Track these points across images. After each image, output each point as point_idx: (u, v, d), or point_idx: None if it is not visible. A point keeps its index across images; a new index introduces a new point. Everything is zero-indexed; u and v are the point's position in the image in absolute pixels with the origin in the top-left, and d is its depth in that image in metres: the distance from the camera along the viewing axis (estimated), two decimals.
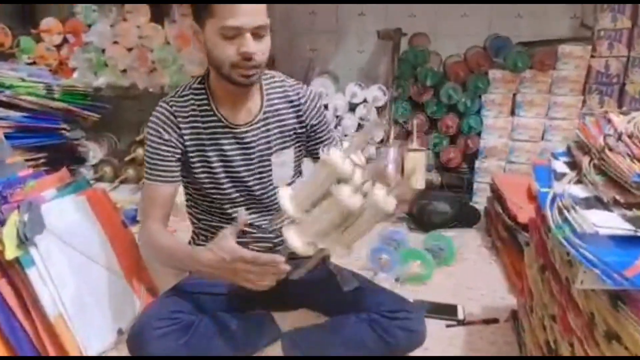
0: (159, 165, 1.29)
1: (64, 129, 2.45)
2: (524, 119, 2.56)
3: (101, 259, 1.48)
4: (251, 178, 1.35)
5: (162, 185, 1.30)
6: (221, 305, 1.26)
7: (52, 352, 1.27)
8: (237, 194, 1.36)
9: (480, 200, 2.61)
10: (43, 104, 2.33)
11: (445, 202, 2.37)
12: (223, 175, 1.33)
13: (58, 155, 2.47)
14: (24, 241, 1.25)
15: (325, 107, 2.41)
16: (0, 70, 2.32)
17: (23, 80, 2.32)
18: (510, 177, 2.49)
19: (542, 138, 2.57)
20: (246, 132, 1.31)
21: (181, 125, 1.28)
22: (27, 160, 2.01)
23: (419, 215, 2.35)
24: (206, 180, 1.34)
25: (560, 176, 1.20)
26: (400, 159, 2.58)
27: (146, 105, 3.07)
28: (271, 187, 1.38)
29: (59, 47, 2.83)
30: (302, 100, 1.36)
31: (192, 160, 1.32)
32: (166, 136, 1.28)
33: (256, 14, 1.14)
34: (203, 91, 1.30)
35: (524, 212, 1.88)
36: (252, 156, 1.33)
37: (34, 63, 2.79)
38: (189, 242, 1.51)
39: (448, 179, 2.69)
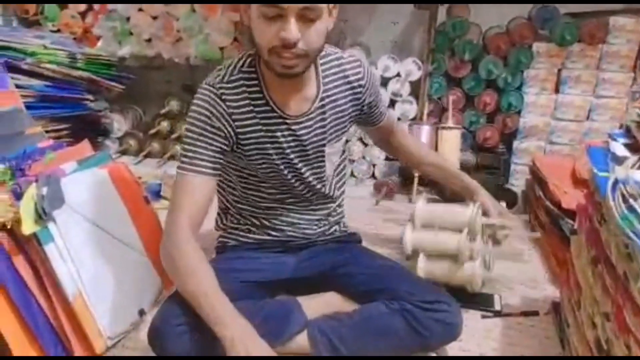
0: (202, 154, 1.14)
1: (88, 100, 2.40)
2: (569, 97, 2.41)
3: (122, 235, 1.43)
4: (306, 168, 1.26)
5: (201, 177, 1.14)
6: (247, 293, 1.19)
7: (70, 333, 1.22)
8: (295, 182, 1.28)
9: (517, 183, 2.49)
10: (66, 72, 2.27)
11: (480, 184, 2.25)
12: (280, 163, 1.24)
13: (81, 127, 2.43)
14: (42, 216, 1.19)
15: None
16: (23, 38, 2.27)
17: (45, 47, 2.26)
18: (552, 158, 2.35)
19: (588, 117, 2.42)
20: (301, 123, 1.20)
21: (233, 117, 1.16)
22: (49, 131, 1.97)
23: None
24: (264, 167, 1.24)
25: (621, 160, 1.11)
26: (434, 138, 2.49)
27: (172, 77, 3.03)
28: (324, 176, 1.31)
29: (83, 14, 2.77)
30: (362, 82, 1.25)
31: (245, 149, 1.20)
32: (216, 124, 1.14)
33: None
34: (254, 75, 1.17)
35: (569, 197, 1.76)
36: (307, 147, 1.23)
37: (58, 31, 2.74)
38: (216, 222, 1.44)
39: (484, 160, 2.56)
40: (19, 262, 1.20)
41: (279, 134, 1.20)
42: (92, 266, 1.28)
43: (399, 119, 2.59)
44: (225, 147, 1.17)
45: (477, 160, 2.56)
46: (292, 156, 1.23)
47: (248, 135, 1.19)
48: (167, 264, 1.13)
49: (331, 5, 1.06)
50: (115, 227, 1.41)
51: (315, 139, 1.23)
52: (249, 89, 1.16)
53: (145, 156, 2.81)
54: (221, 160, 1.18)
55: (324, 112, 1.22)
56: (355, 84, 1.24)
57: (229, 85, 1.15)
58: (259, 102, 1.17)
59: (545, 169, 2.03)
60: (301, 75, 1.11)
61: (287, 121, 1.19)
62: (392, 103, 2.57)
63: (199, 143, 1.14)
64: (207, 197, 1.16)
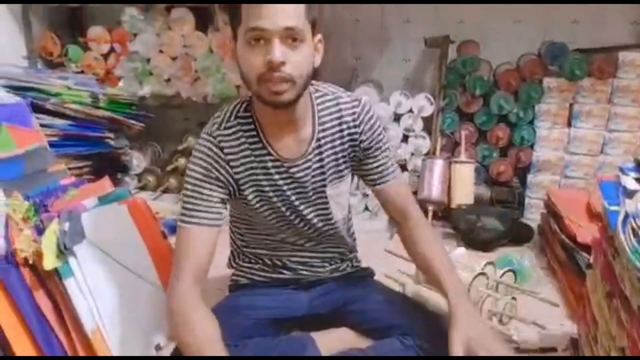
0: (201, 206, 1.13)
1: (109, 138, 2.46)
2: (581, 131, 2.42)
3: (140, 270, 1.45)
4: (310, 210, 1.25)
5: (201, 229, 1.13)
6: (261, 330, 1.19)
7: None
8: (301, 224, 1.27)
9: (532, 217, 2.48)
10: (88, 112, 2.35)
11: (496, 218, 2.26)
12: (283, 207, 1.23)
13: (102, 164, 2.49)
14: (63, 251, 1.23)
15: None
16: (48, 79, 2.36)
17: (69, 88, 2.34)
18: (567, 192, 2.35)
19: (602, 151, 2.42)
20: (298, 165, 1.19)
21: (232, 163, 1.15)
22: (71, 168, 2.02)
23: (468, 232, 2.24)
24: (267, 212, 1.24)
25: (631, 193, 1.11)
26: (447, 172, 2.50)
27: (189, 114, 3.11)
28: (332, 219, 1.29)
29: (106, 56, 2.87)
30: (357, 122, 1.20)
31: (246, 195, 1.20)
32: (214, 174, 1.14)
33: (286, 15, 0.99)
34: (250, 120, 1.17)
35: (584, 231, 1.76)
36: (307, 190, 1.22)
37: (81, 72, 2.83)
38: (229, 260, 1.46)
39: (498, 194, 2.56)
40: (40, 296, 1.24)
41: (277, 176, 1.19)
42: (111, 301, 1.30)
43: (412, 154, 2.61)
44: (225, 196, 1.17)
45: (492, 194, 2.56)
46: (293, 198, 1.22)
47: (248, 181, 1.18)
48: (168, 317, 1.12)
49: (317, 39, 1.08)
50: (133, 261, 1.43)
51: (314, 179, 1.22)
52: (246, 134, 1.16)
53: (163, 192, 2.85)
54: (222, 210, 1.16)
55: (320, 153, 1.20)
56: (351, 124, 1.20)
57: (226, 132, 1.15)
58: (256, 146, 1.16)
59: (560, 203, 2.03)
60: (291, 105, 1.09)
61: (285, 164, 1.18)
62: (405, 138, 2.61)
63: (198, 195, 1.14)
64: (209, 248, 1.15)
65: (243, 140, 1.16)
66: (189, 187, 1.14)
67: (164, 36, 2.71)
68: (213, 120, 1.18)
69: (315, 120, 1.19)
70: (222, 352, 1.03)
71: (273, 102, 1.05)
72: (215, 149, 1.14)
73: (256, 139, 1.16)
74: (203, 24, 2.71)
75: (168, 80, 2.78)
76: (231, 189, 1.17)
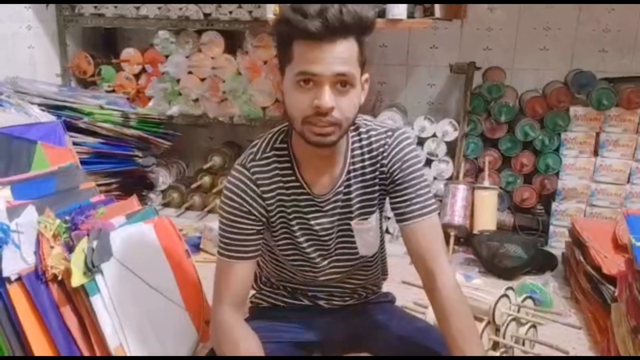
0: (237, 240, 1.13)
1: (137, 156, 2.53)
2: (608, 160, 2.39)
3: (164, 288, 1.48)
4: (333, 245, 1.23)
5: (239, 263, 1.13)
6: (280, 353, 1.19)
7: None
8: (322, 260, 1.24)
9: (557, 245, 2.45)
10: (119, 131, 2.42)
11: (519, 245, 2.23)
12: (306, 243, 1.20)
13: (129, 181, 2.55)
14: (90, 268, 1.26)
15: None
16: (81, 98, 2.44)
17: (102, 107, 2.42)
18: (593, 222, 2.32)
19: (628, 181, 2.39)
20: (327, 201, 1.17)
21: (265, 195, 1.13)
22: (99, 185, 2.08)
23: (490, 259, 2.22)
24: (288, 248, 1.22)
25: None
26: (470, 197, 2.49)
27: (215, 134, 3.17)
28: (356, 254, 1.24)
29: (137, 76, 2.96)
30: (386, 153, 1.15)
31: (273, 228, 1.19)
32: (246, 208, 1.12)
33: (340, 60, 0.97)
34: (286, 152, 1.15)
35: (610, 263, 1.73)
36: (333, 223, 1.19)
37: (113, 91, 2.92)
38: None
39: (521, 221, 2.54)
40: (66, 312, 1.27)
41: (306, 209, 1.17)
42: (135, 318, 1.33)
43: (435, 178, 2.61)
44: (260, 227, 1.15)
45: (515, 221, 2.54)
46: (318, 232, 1.19)
47: (276, 213, 1.17)
48: (215, 348, 1.15)
49: (364, 78, 1.06)
50: (157, 280, 1.46)
51: (341, 212, 1.19)
52: (280, 165, 1.14)
53: (187, 209, 2.90)
54: (258, 241, 1.16)
55: (349, 186, 1.17)
56: (380, 156, 1.16)
57: (261, 162, 1.14)
58: (289, 179, 1.15)
59: (585, 232, 2.00)
60: (335, 145, 1.08)
61: (316, 199, 1.16)
62: (428, 162, 2.61)
63: (233, 229, 1.13)
64: (247, 279, 1.16)
65: (277, 172, 1.14)
66: (224, 220, 1.14)
67: (194, 58, 2.78)
68: (249, 150, 1.17)
69: (347, 155, 1.16)
70: None
71: (316, 143, 1.04)
72: (249, 182, 1.13)
73: (290, 172, 1.15)
74: (232, 47, 2.78)
75: (196, 100, 2.85)
76: (264, 220, 1.16)
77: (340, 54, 0.97)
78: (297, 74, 0.99)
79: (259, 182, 1.13)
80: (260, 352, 1.10)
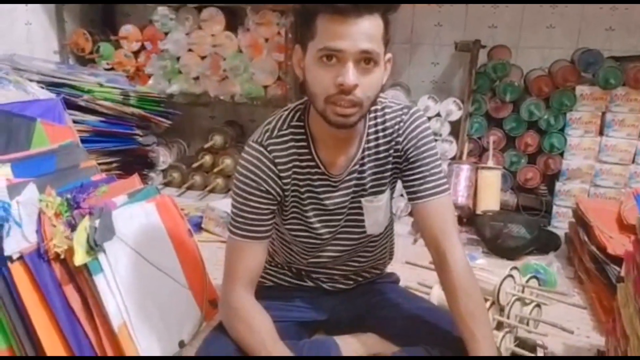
0: (252, 220, 1.11)
1: (137, 135, 2.50)
2: (613, 140, 2.37)
3: (167, 267, 1.46)
4: (342, 222, 1.22)
5: (252, 243, 1.12)
6: (284, 332, 1.18)
7: None
8: (327, 234, 1.22)
9: (560, 225, 2.44)
10: (119, 109, 2.39)
11: (522, 226, 2.22)
12: (316, 220, 1.19)
13: (130, 160, 2.53)
14: (93, 247, 1.24)
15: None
16: (80, 75, 2.41)
17: (101, 85, 2.38)
18: (597, 202, 2.30)
19: (633, 161, 2.37)
20: (341, 180, 1.16)
21: (282, 174, 1.12)
22: (100, 163, 2.05)
23: (493, 239, 2.21)
24: (295, 223, 1.21)
25: None
26: (474, 177, 2.47)
27: (216, 113, 3.14)
28: (364, 232, 1.23)
29: (136, 53, 2.92)
30: (401, 131, 1.13)
31: (285, 207, 1.18)
32: (264, 187, 1.10)
33: (365, 37, 0.94)
34: (303, 131, 1.13)
35: (615, 243, 1.72)
36: (345, 200, 1.18)
37: (112, 69, 2.88)
38: None
39: (525, 201, 2.53)
40: (69, 290, 1.26)
41: (320, 189, 1.16)
42: (138, 297, 1.32)
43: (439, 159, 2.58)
44: (274, 207, 1.14)
45: (518, 201, 2.53)
46: (329, 209, 1.19)
47: (291, 194, 1.15)
48: (229, 329, 1.14)
49: (387, 58, 1.04)
50: (160, 259, 1.45)
51: (354, 190, 1.18)
52: (297, 144, 1.12)
53: (188, 188, 2.88)
54: (272, 220, 1.15)
55: (363, 164, 1.16)
56: (394, 134, 1.14)
57: (278, 140, 1.12)
58: (305, 157, 1.13)
59: (589, 212, 1.98)
60: (354, 126, 1.06)
61: (330, 178, 1.15)
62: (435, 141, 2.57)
63: (248, 209, 1.11)
64: (260, 258, 1.15)
65: (293, 150, 1.12)
66: (239, 198, 1.12)
67: (194, 35, 2.74)
68: (264, 127, 1.14)
69: (364, 134, 1.14)
70: (286, 351, 1.07)
71: (337, 123, 1.01)
72: (265, 160, 1.11)
73: (306, 150, 1.13)
74: (233, 24, 2.73)
75: (196, 78, 2.81)
76: (279, 199, 1.15)
77: (366, 31, 0.95)
78: (321, 50, 0.96)
79: (276, 160, 1.11)
80: (274, 334, 1.10)
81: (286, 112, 1.16)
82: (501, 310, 1.46)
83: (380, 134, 1.15)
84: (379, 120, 1.15)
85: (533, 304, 1.52)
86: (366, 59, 0.97)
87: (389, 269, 1.48)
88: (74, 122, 2.08)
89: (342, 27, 0.94)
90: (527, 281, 1.57)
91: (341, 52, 0.95)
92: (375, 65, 0.98)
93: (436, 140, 2.55)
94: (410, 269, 1.79)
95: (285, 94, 2.64)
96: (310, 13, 0.97)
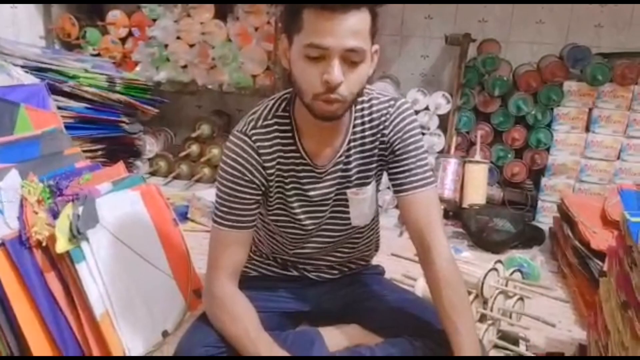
0: (236, 209, 1.11)
1: (123, 122, 2.47)
2: (599, 136, 2.40)
3: (151, 256, 1.45)
4: (327, 214, 1.21)
5: (237, 232, 1.12)
6: (269, 323, 1.18)
7: (95, 352, 1.24)
8: (311, 225, 1.22)
9: (545, 220, 2.47)
10: (104, 95, 2.35)
11: (507, 220, 2.24)
12: (300, 211, 1.19)
13: (116, 148, 2.50)
14: (76, 235, 1.23)
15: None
16: (65, 61, 2.37)
17: (86, 71, 2.35)
18: (582, 197, 2.33)
19: (618, 157, 2.40)
20: (326, 171, 1.16)
21: (266, 164, 1.11)
22: (85, 151, 2.03)
23: (478, 232, 2.22)
24: (280, 214, 1.20)
25: None
26: (461, 171, 2.48)
27: (203, 102, 3.11)
28: (348, 224, 1.23)
29: (123, 40, 2.88)
30: (388, 123, 1.13)
31: (270, 196, 1.17)
32: (248, 177, 1.10)
33: (351, 34, 0.93)
34: (288, 121, 1.12)
35: (598, 238, 1.74)
36: (330, 191, 1.18)
37: (98, 55, 2.84)
38: None
39: (510, 195, 2.55)
40: (51, 278, 1.24)
41: (304, 180, 1.15)
42: (121, 286, 1.31)
43: (426, 151, 2.58)
44: (259, 197, 1.14)
45: (504, 195, 2.54)
46: (313, 200, 1.18)
47: (275, 184, 1.15)
48: (212, 318, 1.13)
49: (373, 49, 1.02)
50: (144, 248, 1.44)
51: (339, 182, 1.18)
52: (281, 134, 1.12)
53: (174, 177, 2.86)
54: (256, 210, 1.14)
55: (349, 156, 1.16)
56: (381, 125, 1.14)
57: (262, 130, 1.11)
58: (289, 148, 1.12)
59: (574, 207, 2.00)
60: (340, 118, 1.06)
61: (315, 170, 1.15)
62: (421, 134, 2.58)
63: (233, 199, 1.11)
64: (245, 248, 1.15)
65: (277, 141, 1.12)
66: (223, 188, 1.11)
67: (183, 23, 2.71)
68: (249, 117, 1.13)
69: (349, 125, 1.14)
70: (269, 341, 1.07)
71: (323, 116, 1.01)
72: (250, 150, 1.10)
73: (291, 141, 1.12)
74: (222, 12, 2.70)
75: (184, 66, 2.78)
76: (264, 189, 1.14)
77: (353, 27, 0.94)
78: (307, 46, 0.95)
79: (260, 150, 1.11)
80: (257, 323, 1.10)
81: (272, 102, 1.15)
82: (485, 303, 1.47)
83: (367, 126, 1.15)
84: (365, 112, 1.14)
85: (516, 297, 1.53)
86: (352, 58, 0.96)
87: (375, 260, 1.48)
88: (59, 108, 2.05)
89: (329, 23, 0.92)
90: (511, 274, 1.58)
91: (327, 49, 0.94)
92: (361, 62, 0.98)
93: (424, 133, 2.56)
94: (395, 261, 1.80)
95: (274, 84, 2.63)
96: (297, 6, 0.96)
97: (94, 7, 3.03)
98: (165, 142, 3.04)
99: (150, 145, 2.90)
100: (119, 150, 2.53)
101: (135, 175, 1.61)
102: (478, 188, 2.44)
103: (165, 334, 1.41)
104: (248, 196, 1.11)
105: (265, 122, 1.12)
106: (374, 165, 1.18)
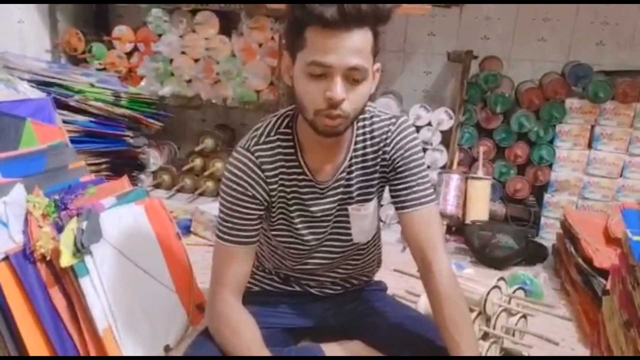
0: (239, 225, 1.12)
1: (128, 136, 2.49)
2: (601, 153, 2.40)
3: (154, 271, 1.46)
4: (328, 230, 1.22)
5: (241, 248, 1.13)
6: (270, 339, 1.18)
7: None
8: (313, 240, 1.22)
9: (547, 237, 2.46)
10: (110, 110, 2.37)
11: (510, 236, 2.23)
12: (302, 227, 1.20)
13: (120, 161, 2.51)
14: (80, 249, 1.23)
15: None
16: (71, 75, 2.39)
17: (92, 85, 2.37)
18: (585, 214, 2.32)
19: (621, 175, 2.40)
20: (328, 188, 1.17)
21: (268, 180, 1.12)
22: (90, 164, 2.04)
23: (481, 249, 2.22)
24: (282, 229, 1.21)
25: None
26: (463, 187, 2.48)
27: (207, 116, 3.13)
28: (350, 240, 1.24)
29: (129, 54, 2.90)
30: (389, 141, 1.14)
31: (272, 212, 1.18)
32: (250, 192, 1.11)
33: (354, 53, 0.94)
34: (290, 137, 1.13)
35: (601, 256, 1.73)
36: (332, 207, 1.19)
37: (104, 69, 2.86)
38: None
39: (513, 211, 2.55)
40: (55, 292, 1.24)
41: (306, 196, 1.16)
42: (124, 301, 1.31)
43: (428, 167, 2.59)
44: (262, 212, 1.15)
45: (507, 211, 2.54)
46: (315, 216, 1.19)
47: (277, 200, 1.16)
48: (214, 333, 1.13)
49: (375, 67, 1.04)
50: (147, 262, 1.44)
51: (341, 198, 1.18)
52: (284, 151, 1.13)
53: (178, 191, 2.87)
54: (259, 226, 1.15)
55: (350, 173, 1.17)
56: (382, 143, 1.15)
57: (265, 146, 1.12)
58: (292, 164, 1.14)
59: (577, 224, 2.00)
60: (341, 135, 1.07)
61: (317, 186, 1.16)
62: (422, 151, 2.58)
63: (235, 214, 1.11)
64: (248, 263, 1.15)
65: (280, 157, 1.13)
66: (226, 204, 1.12)
67: (188, 38, 2.73)
68: (252, 134, 1.14)
69: (351, 142, 1.15)
70: (271, 358, 1.07)
71: (325, 132, 1.02)
72: (252, 166, 1.11)
73: (293, 157, 1.14)
74: (227, 28, 2.73)
75: (189, 81, 2.80)
76: (266, 204, 1.15)
77: (355, 45, 0.95)
78: (310, 64, 0.96)
79: (263, 166, 1.12)
80: (259, 340, 1.09)
81: (275, 119, 1.16)
82: (487, 320, 1.47)
83: (368, 143, 1.16)
84: (367, 129, 1.16)
85: (519, 315, 1.53)
86: (354, 76, 0.97)
87: (377, 276, 1.48)
88: (64, 122, 2.07)
89: (332, 41, 0.93)
90: (514, 292, 1.58)
91: (330, 67, 0.95)
92: (363, 79, 0.99)
93: (426, 149, 2.57)
94: (398, 277, 1.79)
95: (278, 99, 2.65)
96: (300, 24, 0.97)
97: (100, 22, 3.06)
98: (169, 156, 3.05)
99: (154, 159, 2.91)
100: (123, 163, 2.55)
101: (139, 189, 1.62)
102: (481, 204, 2.44)
103: (167, 348, 1.41)
104: (251, 211, 1.12)
105: (268, 139, 1.13)
106: (375, 182, 1.19)
